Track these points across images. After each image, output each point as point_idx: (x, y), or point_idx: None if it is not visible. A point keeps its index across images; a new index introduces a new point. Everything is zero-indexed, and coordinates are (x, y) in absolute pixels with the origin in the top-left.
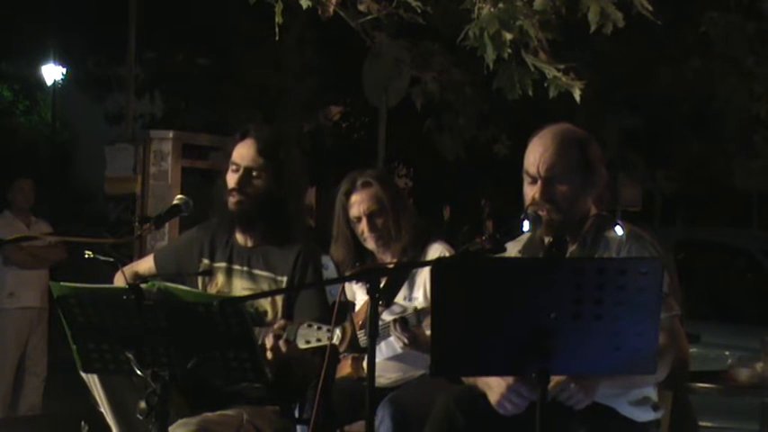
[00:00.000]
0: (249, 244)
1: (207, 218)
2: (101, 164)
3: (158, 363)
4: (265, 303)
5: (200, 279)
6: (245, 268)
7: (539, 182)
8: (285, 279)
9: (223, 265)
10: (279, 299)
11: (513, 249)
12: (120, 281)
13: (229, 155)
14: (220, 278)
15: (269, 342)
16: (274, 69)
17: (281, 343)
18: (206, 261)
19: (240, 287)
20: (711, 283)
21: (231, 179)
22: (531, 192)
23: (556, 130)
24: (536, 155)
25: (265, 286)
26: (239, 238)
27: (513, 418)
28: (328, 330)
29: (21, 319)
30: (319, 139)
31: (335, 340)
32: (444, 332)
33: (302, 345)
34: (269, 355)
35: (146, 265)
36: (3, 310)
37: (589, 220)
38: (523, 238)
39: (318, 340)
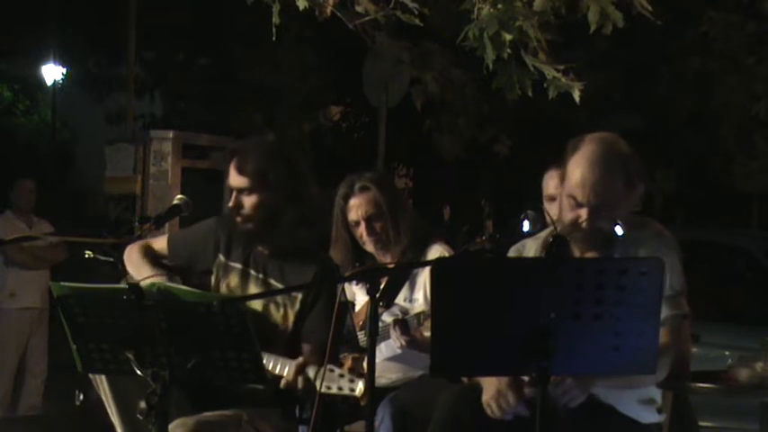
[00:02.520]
0: (266, 252)
1: (207, 217)
2: (101, 164)
3: (158, 363)
4: (277, 316)
5: (212, 275)
6: (261, 275)
7: (586, 209)
8: (299, 297)
9: (239, 266)
10: (291, 315)
11: (531, 247)
12: (133, 251)
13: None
14: (234, 279)
15: (289, 375)
16: (274, 69)
17: (299, 379)
18: (222, 258)
19: (256, 293)
20: (711, 284)
21: (231, 201)
22: (573, 214)
23: (602, 149)
24: (585, 181)
25: (279, 299)
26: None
27: (519, 417)
28: (351, 381)
29: (22, 320)
30: (319, 139)
31: (357, 393)
32: (444, 332)
33: (322, 388)
34: (282, 384)
35: (159, 244)
36: (4, 310)
37: (627, 221)
38: (542, 236)
39: (340, 389)
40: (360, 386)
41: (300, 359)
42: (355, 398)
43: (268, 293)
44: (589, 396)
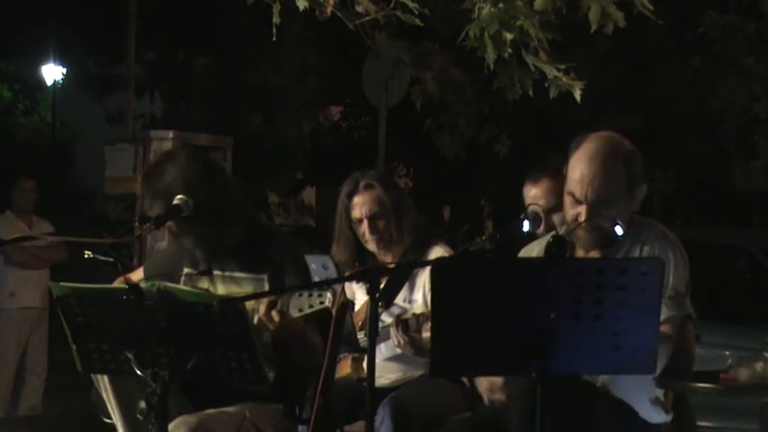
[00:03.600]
0: (222, 249)
1: None
2: (101, 164)
3: (158, 363)
4: (248, 302)
5: (187, 285)
6: (227, 273)
7: (585, 206)
8: (266, 276)
9: (205, 271)
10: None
11: (535, 249)
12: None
13: None
14: (204, 283)
15: (261, 310)
16: (274, 69)
17: (273, 313)
18: (188, 270)
19: (225, 291)
20: (711, 283)
21: None
22: (574, 212)
23: (604, 148)
24: (583, 177)
25: (249, 288)
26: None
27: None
28: (319, 295)
29: (21, 320)
30: (319, 139)
31: (327, 303)
32: (444, 332)
33: (296, 314)
34: (255, 321)
35: (137, 277)
36: (4, 310)
37: (629, 223)
38: (544, 240)
39: (311, 306)
40: (328, 296)
41: (273, 297)
42: (328, 309)
43: (268, 293)
44: (608, 394)
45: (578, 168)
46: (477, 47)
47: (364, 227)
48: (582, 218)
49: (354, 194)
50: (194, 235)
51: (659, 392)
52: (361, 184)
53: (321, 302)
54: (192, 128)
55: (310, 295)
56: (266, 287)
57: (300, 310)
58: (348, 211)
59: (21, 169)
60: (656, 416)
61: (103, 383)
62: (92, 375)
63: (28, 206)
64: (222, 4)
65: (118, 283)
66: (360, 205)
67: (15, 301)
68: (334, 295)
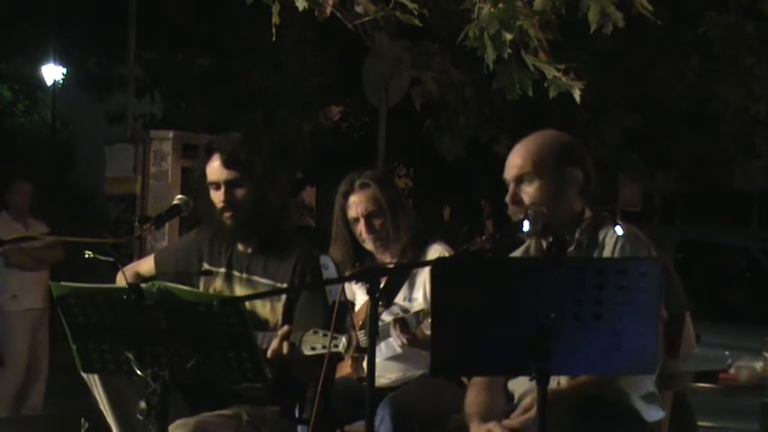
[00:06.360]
0: (248, 250)
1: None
2: (101, 164)
3: (158, 363)
4: (265, 311)
5: (201, 281)
6: (245, 275)
7: (511, 185)
8: (284, 286)
9: (222, 270)
10: (279, 306)
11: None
12: (121, 281)
13: (202, 175)
14: (219, 283)
15: (275, 343)
16: (274, 69)
17: (284, 345)
18: (206, 265)
19: (240, 294)
20: (711, 284)
21: (217, 198)
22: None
23: (530, 137)
24: (507, 161)
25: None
26: (239, 244)
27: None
28: (335, 338)
29: (24, 321)
30: (319, 139)
31: (341, 348)
32: (444, 332)
33: (307, 351)
34: (269, 354)
35: (146, 265)
36: (7, 312)
37: (585, 221)
38: (519, 250)
39: (324, 347)
40: (343, 341)
41: (286, 327)
42: (339, 354)
43: (269, 293)
44: (602, 395)
45: (508, 158)
46: (477, 47)
47: (361, 226)
48: (508, 199)
49: (350, 194)
50: (248, 215)
51: (653, 389)
52: (357, 183)
53: (335, 346)
54: (192, 128)
55: (325, 335)
56: (283, 297)
57: (313, 349)
58: (344, 210)
59: (20, 169)
60: (652, 413)
61: (94, 382)
62: (83, 375)
63: (24, 208)
64: (222, 5)
65: (119, 277)
66: (356, 204)
67: (18, 304)
68: (348, 341)
